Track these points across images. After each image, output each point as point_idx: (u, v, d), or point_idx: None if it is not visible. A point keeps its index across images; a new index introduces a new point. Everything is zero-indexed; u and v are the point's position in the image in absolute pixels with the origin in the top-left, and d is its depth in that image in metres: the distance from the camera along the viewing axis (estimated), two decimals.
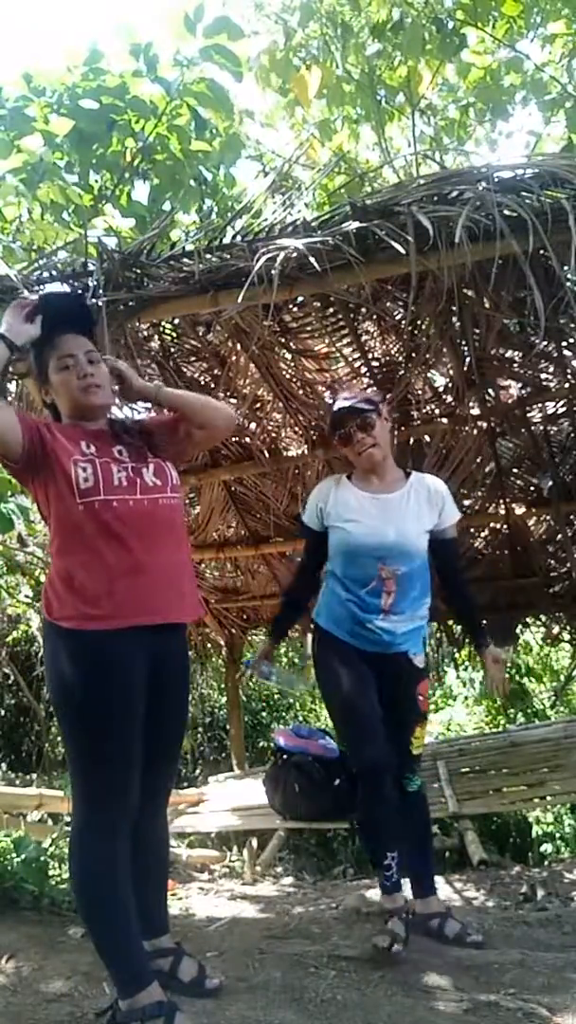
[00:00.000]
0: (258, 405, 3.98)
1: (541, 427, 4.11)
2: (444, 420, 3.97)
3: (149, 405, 2.69)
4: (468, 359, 3.51)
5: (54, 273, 2.88)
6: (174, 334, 3.46)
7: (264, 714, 8.10)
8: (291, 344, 3.52)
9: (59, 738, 7.31)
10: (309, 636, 2.75)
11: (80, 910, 1.96)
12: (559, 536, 4.74)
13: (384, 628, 2.45)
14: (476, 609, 2.76)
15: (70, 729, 1.91)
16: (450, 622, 5.83)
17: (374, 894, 2.98)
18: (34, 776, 6.31)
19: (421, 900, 2.56)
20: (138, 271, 2.72)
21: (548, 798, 4.31)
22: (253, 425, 4.09)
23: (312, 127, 7.55)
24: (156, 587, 1.93)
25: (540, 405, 4.00)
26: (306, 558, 2.75)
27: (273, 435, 4.21)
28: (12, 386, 3.17)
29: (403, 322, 3.32)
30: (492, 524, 4.81)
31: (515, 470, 4.43)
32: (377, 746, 2.38)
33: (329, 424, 2.67)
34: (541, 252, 2.39)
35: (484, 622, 2.70)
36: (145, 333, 3.32)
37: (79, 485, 1.91)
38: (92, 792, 1.88)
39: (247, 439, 4.17)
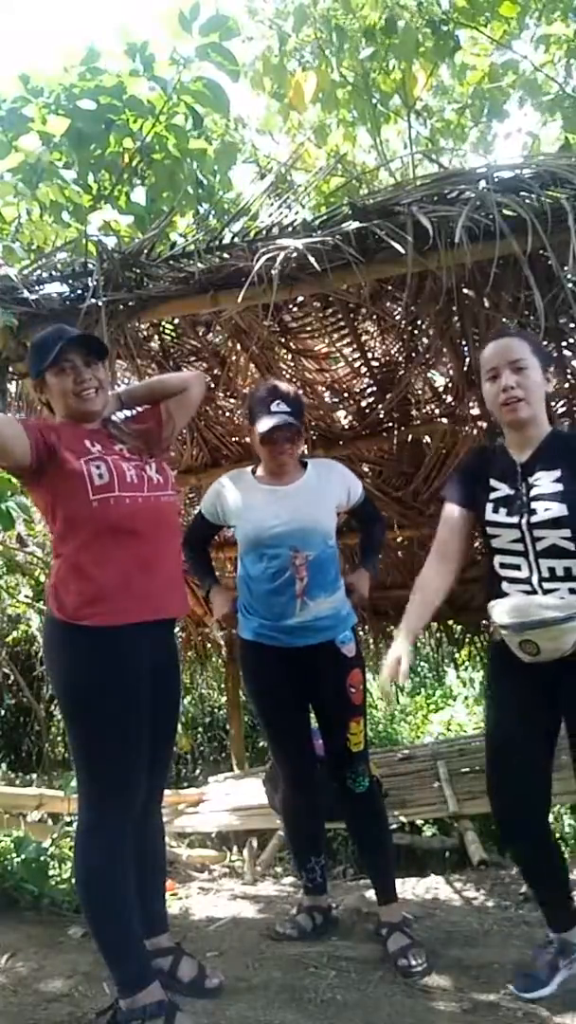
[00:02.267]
0: None
1: None
2: (444, 420, 3.97)
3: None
4: (468, 359, 3.51)
5: (54, 273, 2.88)
6: (174, 334, 3.46)
7: None
8: (291, 344, 3.52)
9: (59, 738, 7.31)
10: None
11: (84, 909, 1.96)
12: None
13: (304, 617, 2.42)
14: (378, 543, 2.81)
15: (82, 728, 1.90)
16: (450, 621, 5.83)
17: (373, 894, 2.98)
18: (34, 776, 6.30)
19: (381, 908, 2.48)
20: (138, 271, 2.72)
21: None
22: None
23: (308, 131, 7.55)
24: (164, 583, 1.98)
25: None
26: (190, 534, 2.73)
27: None
28: (12, 386, 3.16)
29: (403, 322, 3.32)
30: None
31: None
32: (293, 764, 2.58)
33: (263, 429, 2.50)
34: (541, 252, 2.39)
35: (378, 557, 2.84)
36: (145, 333, 3.32)
37: (93, 482, 1.91)
38: (100, 791, 1.87)
39: (247, 439, 4.16)
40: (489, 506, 1.99)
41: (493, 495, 2.00)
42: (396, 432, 4.02)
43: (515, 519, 1.93)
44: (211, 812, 4.93)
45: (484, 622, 5.97)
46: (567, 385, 3.68)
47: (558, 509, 1.88)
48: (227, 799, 5.07)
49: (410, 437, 4.15)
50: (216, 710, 8.05)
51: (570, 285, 2.52)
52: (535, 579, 1.91)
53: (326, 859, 2.74)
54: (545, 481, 1.93)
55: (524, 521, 1.92)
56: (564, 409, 4.00)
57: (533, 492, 1.94)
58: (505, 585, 1.96)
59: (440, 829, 4.29)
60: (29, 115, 4.35)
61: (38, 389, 2.12)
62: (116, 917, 1.84)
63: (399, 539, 5.08)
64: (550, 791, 2.04)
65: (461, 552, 2.09)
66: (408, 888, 3.32)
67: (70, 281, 2.80)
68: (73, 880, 2.62)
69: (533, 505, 1.92)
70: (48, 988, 2.11)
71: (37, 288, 2.78)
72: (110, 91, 4.44)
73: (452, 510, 2.10)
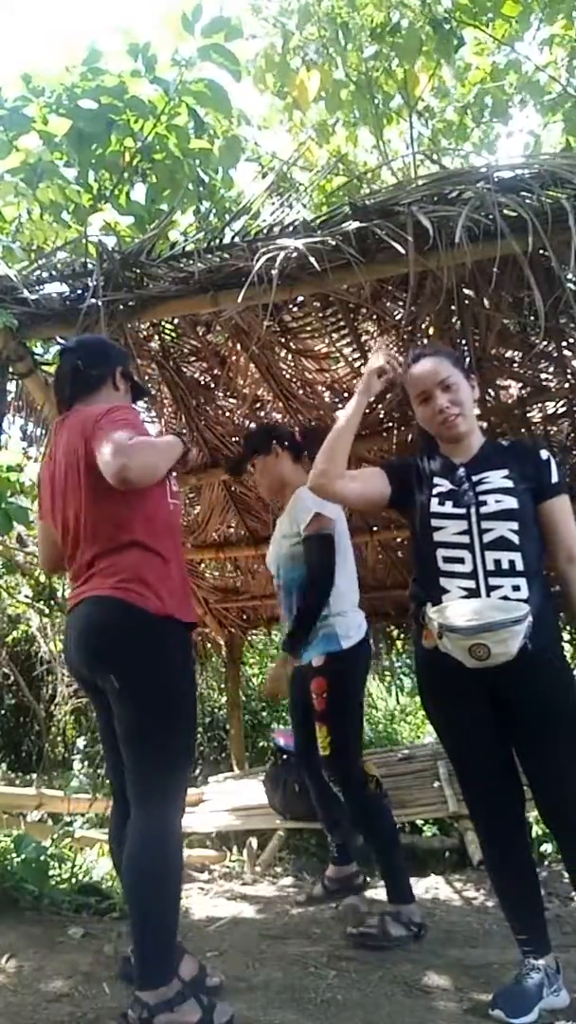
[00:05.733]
0: (258, 405, 3.98)
1: (541, 427, 4.11)
2: None
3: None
4: (468, 359, 3.51)
5: (54, 273, 2.88)
6: (174, 334, 3.45)
7: (264, 714, 8.09)
8: (291, 344, 3.52)
9: (59, 738, 7.32)
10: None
11: (147, 901, 1.83)
12: None
13: (284, 630, 2.76)
14: (299, 621, 2.62)
15: (175, 722, 1.87)
16: None
17: (373, 894, 2.98)
18: (34, 776, 6.30)
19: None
20: (138, 271, 2.72)
21: None
22: (253, 426, 4.10)
23: (310, 130, 7.54)
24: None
25: (540, 405, 4.00)
26: None
27: None
28: (12, 386, 3.16)
29: (403, 322, 3.32)
30: None
31: None
32: (303, 753, 2.88)
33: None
34: (541, 252, 2.39)
35: (296, 635, 2.61)
36: (145, 333, 3.32)
37: (171, 486, 2.02)
38: (177, 785, 1.91)
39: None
40: (434, 500, 2.03)
41: (436, 489, 2.04)
42: (396, 432, 4.02)
43: (462, 510, 1.98)
44: (211, 812, 4.93)
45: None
46: (567, 385, 3.69)
47: (509, 502, 1.95)
48: (227, 799, 5.07)
49: (410, 437, 4.15)
50: (216, 710, 8.06)
51: (570, 285, 2.51)
52: (480, 572, 1.92)
53: (343, 839, 2.88)
54: (495, 477, 2.00)
55: (473, 512, 1.96)
56: (564, 409, 4.01)
57: (481, 487, 1.99)
58: (444, 580, 1.95)
59: (440, 829, 4.29)
60: (30, 115, 4.35)
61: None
62: (173, 909, 1.86)
63: (398, 539, 5.08)
64: (523, 791, 2.02)
65: (368, 485, 2.14)
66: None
67: (70, 281, 2.80)
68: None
69: (483, 498, 1.97)
70: (48, 988, 2.11)
71: (37, 288, 2.78)
72: (111, 91, 4.44)
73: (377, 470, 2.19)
